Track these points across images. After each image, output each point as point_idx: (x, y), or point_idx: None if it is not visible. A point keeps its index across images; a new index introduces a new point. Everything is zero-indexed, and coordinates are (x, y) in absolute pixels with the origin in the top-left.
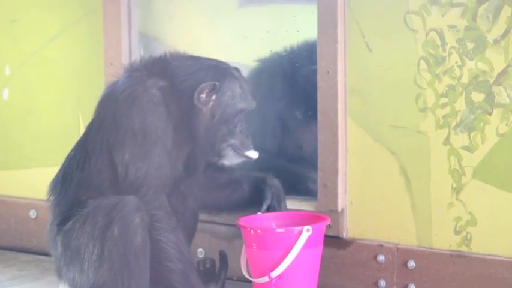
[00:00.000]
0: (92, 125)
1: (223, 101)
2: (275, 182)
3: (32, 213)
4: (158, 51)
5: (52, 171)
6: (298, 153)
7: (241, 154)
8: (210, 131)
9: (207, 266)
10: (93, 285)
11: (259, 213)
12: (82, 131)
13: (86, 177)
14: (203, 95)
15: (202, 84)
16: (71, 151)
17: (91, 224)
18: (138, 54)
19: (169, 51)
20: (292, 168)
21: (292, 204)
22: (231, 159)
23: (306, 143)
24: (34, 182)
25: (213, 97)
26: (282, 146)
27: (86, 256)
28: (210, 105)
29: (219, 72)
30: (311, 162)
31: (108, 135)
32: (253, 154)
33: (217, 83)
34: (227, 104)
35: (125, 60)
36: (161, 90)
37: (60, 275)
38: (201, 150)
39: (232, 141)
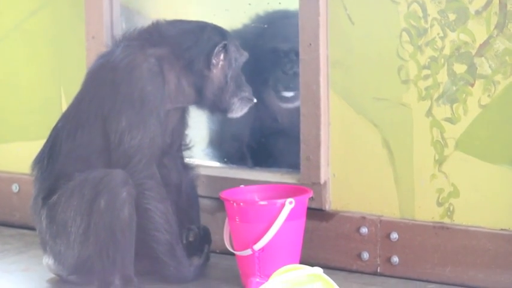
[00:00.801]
0: (83, 95)
1: (231, 58)
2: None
3: (15, 187)
4: (140, 24)
5: (34, 144)
6: (275, 126)
7: (248, 104)
8: (220, 90)
9: (190, 239)
10: (79, 258)
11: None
12: (64, 104)
13: (75, 148)
14: (217, 59)
15: (216, 48)
16: (58, 123)
17: (78, 197)
18: (120, 28)
19: (158, 19)
20: (273, 141)
21: (275, 176)
22: (239, 112)
23: (281, 116)
24: (16, 156)
25: (222, 57)
26: (258, 119)
27: (72, 229)
28: (219, 66)
29: (217, 32)
30: (289, 135)
31: (103, 103)
32: (254, 99)
33: (226, 42)
34: (234, 60)
35: (107, 34)
36: (159, 60)
37: (45, 248)
38: (208, 110)
39: (242, 94)
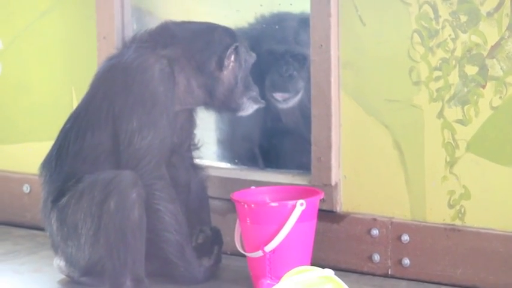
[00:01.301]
0: (92, 96)
1: (241, 60)
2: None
3: (26, 188)
4: (151, 25)
5: (45, 145)
6: (280, 126)
7: (257, 103)
8: (229, 91)
9: (199, 241)
10: (90, 260)
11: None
12: (75, 104)
13: (84, 150)
14: (228, 61)
15: (229, 50)
16: (66, 124)
17: (88, 199)
18: (131, 29)
19: (167, 20)
20: (279, 142)
21: (286, 178)
22: (248, 110)
23: (285, 117)
24: (27, 156)
25: (232, 58)
26: (267, 120)
27: (83, 231)
28: (230, 67)
29: (228, 34)
30: (293, 135)
31: (114, 104)
32: (263, 101)
33: (237, 44)
34: (244, 61)
35: (118, 34)
36: (170, 61)
37: (56, 251)
38: (217, 110)
39: (251, 93)
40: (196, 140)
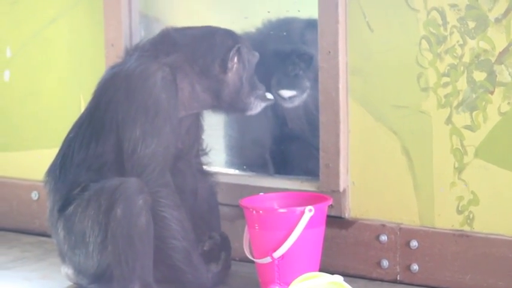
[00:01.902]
0: (96, 105)
1: (244, 60)
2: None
3: (34, 195)
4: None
5: (54, 152)
6: (286, 132)
7: (265, 101)
8: (236, 92)
9: (206, 248)
10: (99, 267)
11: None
12: None
13: (87, 158)
14: (231, 62)
15: (231, 52)
16: (70, 133)
17: (94, 207)
18: (138, 36)
19: (168, 27)
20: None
21: (294, 184)
22: (255, 109)
23: (291, 122)
24: (36, 163)
25: (236, 59)
26: (276, 124)
27: (90, 239)
28: (234, 69)
29: (229, 36)
30: (300, 141)
31: (117, 112)
32: (270, 96)
33: (239, 45)
34: (248, 62)
35: (126, 42)
36: (173, 68)
37: (64, 259)
38: (224, 112)
39: (258, 92)
40: (204, 145)
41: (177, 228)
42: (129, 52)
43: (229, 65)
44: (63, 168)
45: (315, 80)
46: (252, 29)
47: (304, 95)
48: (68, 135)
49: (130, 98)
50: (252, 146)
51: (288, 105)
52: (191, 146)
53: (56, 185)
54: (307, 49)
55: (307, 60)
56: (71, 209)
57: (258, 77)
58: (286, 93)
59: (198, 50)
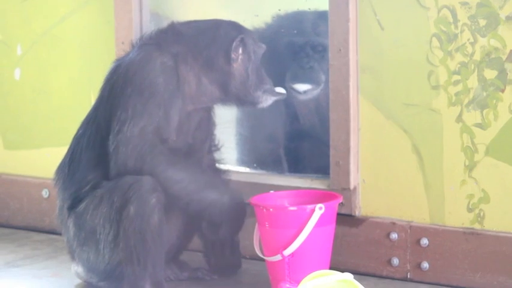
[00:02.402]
0: (100, 100)
1: (249, 52)
2: None
3: (45, 193)
4: None
5: (64, 150)
6: (298, 128)
7: (275, 95)
8: (242, 84)
9: (199, 274)
10: (109, 265)
11: None
12: None
13: (96, 156)
14: (236, 53)
15: (234, 43)
16: (79, 130)
17: (107, 204)
18: None
19: (173, 21)
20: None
21: (305, 182)
22: (266, 103)
23: (303, 117)
24: (46, 161)
25: (240, 51)
26: (284, 123)
27: (101, 237)
28: (239, 60)
29: (233, 27)
30: (310, 137)
31: (118, 101)
32: (282, 90)
33: (243, 36)
34: (253, 53)
35: (136, 40)
36: (175, 56)
37: (73, 256)
38: (234, 104)
39: (266, 86)
40: (216, 141)
41: (182, 175)
42: (134, 45)
43: (233, 56)
44: (72, 166)
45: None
46: (262, 25)
47: (320, 88)
48: (76, 132)
49: (127, 83)
50: (264, 143)
51: (303, 98)
52: (203, 141)
53: (64, 183)
54: (320, 40)
55: (321, 52)
56: (82, 206)
57: (271, 71)
58: (301, 87)
59: (202, 41)
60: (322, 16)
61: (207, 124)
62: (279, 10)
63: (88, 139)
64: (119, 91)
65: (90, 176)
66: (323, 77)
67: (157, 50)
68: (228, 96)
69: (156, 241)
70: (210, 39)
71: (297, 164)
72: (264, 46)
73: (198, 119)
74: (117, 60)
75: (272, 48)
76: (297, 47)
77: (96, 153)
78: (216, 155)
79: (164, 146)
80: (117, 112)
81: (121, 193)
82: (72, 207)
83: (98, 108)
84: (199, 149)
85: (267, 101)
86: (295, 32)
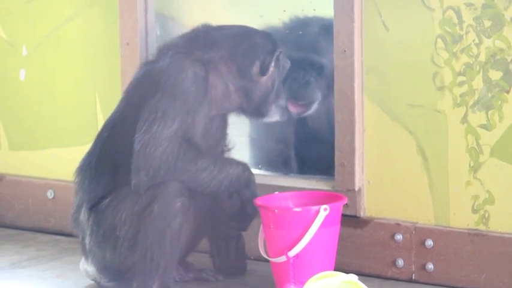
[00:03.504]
0: (128, 103)
1: (280, 66)
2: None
3: (50, 194)
4: (175, 31)
5: (69, 151)
6: (307, 131)
7: (283, 113)
8: (265, 96)
9: (204, 275)
10: (124, 264)
11: None
12: (99, 110)
13: (124, 161)
14: (271, 66)
15: (275, 56)
16: (103, 132)
17: (131, 200)
18: (154, 35)
19: (203, 24)
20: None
21: (309, 183)
22: (272, 117)
23: (313, 121)
24: (51, 162)
25: (273, 64)
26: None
27: (121, 233)
28: (270, 73)
29: (270, 39)
30: (320, 140)
31: (146, 103)
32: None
33: (281, 50)
34: (282, 67)
35: (141, 41)
36: (206, 65)
37: (87, 255)
38: (248, 115)
39: (280, 101)
40: (227, 141)
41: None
42: (163, 50)
43: (270, 68)
44: (98, 168)
45: (329, 88)
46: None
47: (314, 106)
48: (101, 134)
49: (159, 89)
50: (272, 144)
51: (301, 113)
52: (218, 142)
53: (90, 184)
54: (318, 58)
55: (319, 69)
56: (105, 202)
57: None
58: (294, 107)
59: (238, 49)
60: (325, 30)
61: (223, 126)
62: (284, 11)
63: (116, 143)
64: (149, 96)
65: (119, 181)
66: (319, 95)
67: (189, 58)
68: (248, 105)
69: (173, 245)
70: (247, 49)
71: (305, 165)
72: (289, 62)
73: (219, 121)
74: (145, 64)
75: None
76: (295, 63)
77: (124, 158)
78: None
79: (194, 151)
80: (145, 114)
81: (147, 192)
82: (93, 206)
83: (125, 112)
84: (214, 149)
85: (273, 116)
86: (297, 43)
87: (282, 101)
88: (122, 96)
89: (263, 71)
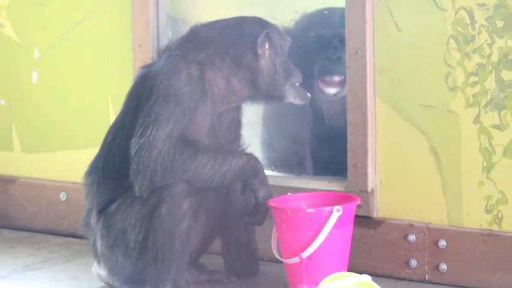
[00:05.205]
0: (128, 107)
1: (276, 46)
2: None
3: (62, 196)
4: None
5: (81, 153)
6: (323, 130)
7: (300, 93)
8: (271, 79)
9: (217, 277)
10: (136, 267)
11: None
12: (111, 113)
13: (127, 163)
14: (262, 48)
15: (260, 38)
16: (108, 136)
17: (140, 203)
18: (166, 36)
19: (196, 25)
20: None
21: (322, 184)
22: (293, 97)
23: (329, 119)
24: (64, 164)
25: (267, 46)
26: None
27: (131, 236)
28: (266, 55)
29: (257, 23)
30: (329, 136)
31: (142, 107)
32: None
33: (268, 31)
34: (279, 47)
35: (153, 43)
36: (201, 65)
37: (99, 259)
38: (263, 100)
39: (292, 79)
40: (241, 142)
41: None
42: (160, 54)
43: (260, 51)
44: (105, 172)
45: None
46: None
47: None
48: (106, 138)
49: (153, 93)
50: (287, 145)
51: (333, 90)
52: (232, 142)
53: (98, 188)
54: None
55: None
56: (114, 206)
57: (300, 67)
58: (332, 78)
59: (227, 41)
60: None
61: (237, 125)
62: (296, 12)
63: (119, 146)
64: (144, 100)
65: (125, 184)
66: None
67: (182, 60)
68: (257, 92)
69: (183, 246)
70: (235, 38)
71: (319, 165)
72: (289, 39)
73: (229, 119)
74: (144, 67)
75: (300, 44)
76: (325, 41)
77: (128, 161)
78: None
79: (191, 149)
80: (140, 118)
81: (155, 194)
82: (102, 210)
83: (126, 116)
84: (229, 148)
85: (293, 96)
86: (323, 26)
87: (296, 78)
88: (124, 100)
89: (255, 55)
